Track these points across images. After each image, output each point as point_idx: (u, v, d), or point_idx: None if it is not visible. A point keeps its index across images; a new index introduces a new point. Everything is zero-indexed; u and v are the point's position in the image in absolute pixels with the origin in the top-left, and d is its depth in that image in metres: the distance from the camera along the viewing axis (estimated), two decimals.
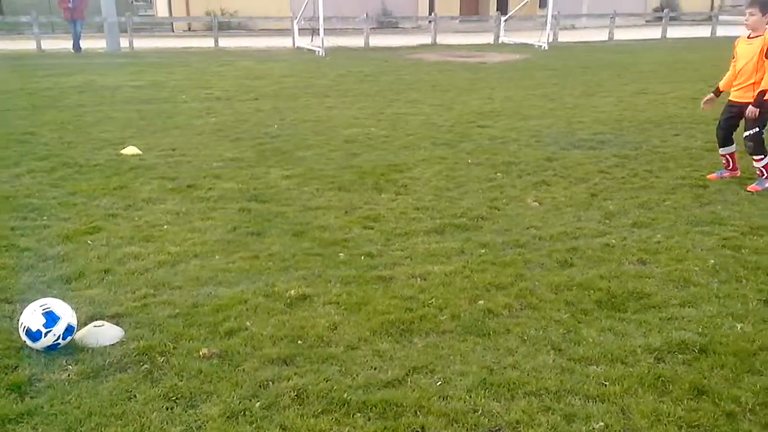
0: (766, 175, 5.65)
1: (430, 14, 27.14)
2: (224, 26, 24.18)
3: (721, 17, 28.07)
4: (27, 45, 19.83)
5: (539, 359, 3.11)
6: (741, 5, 51.85)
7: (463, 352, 3.18)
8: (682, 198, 5.49)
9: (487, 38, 23.36)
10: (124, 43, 20.07)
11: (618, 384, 2.88)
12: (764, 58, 5.36)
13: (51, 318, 3.10)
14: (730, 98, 5.77)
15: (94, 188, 5.80)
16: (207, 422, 2.64)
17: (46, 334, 3.08)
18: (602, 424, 2.63)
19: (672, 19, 26.27)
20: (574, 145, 7.46)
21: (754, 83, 5.48)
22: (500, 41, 22.98)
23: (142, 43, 20.66)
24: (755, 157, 5.65)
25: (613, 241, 4.57)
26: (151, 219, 5.05)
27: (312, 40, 20.40)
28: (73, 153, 7.07)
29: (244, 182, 6.02)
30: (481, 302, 3.67)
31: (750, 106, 5.48)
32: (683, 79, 12.83)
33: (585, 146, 7.38)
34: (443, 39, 22.67)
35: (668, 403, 2.74)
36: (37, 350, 3.11)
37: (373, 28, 23.40)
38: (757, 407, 2.72)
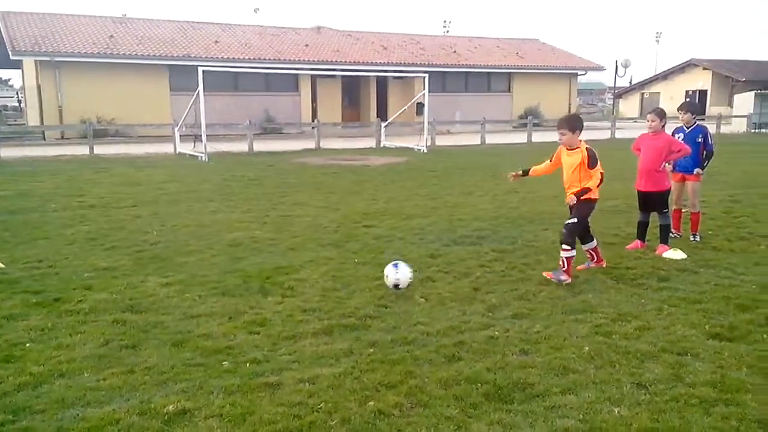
0: (565, 267, 5.92)
1: (313, 120, 28.02)
2: (101, 134, 23.59)
3: None
4: None
5: None
6: (596, 112, 57.71)
7: None
8: (556, 289, 5.80)
9: (370, 143, 24.35)
10: None
11: None
12: (588, 168, 5.94)
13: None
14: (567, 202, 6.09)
15: None
16: None
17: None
18: None
19: (535, 125, 28.76)
20: (456, 241, 7.75)
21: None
22: (382, 145, 24.01)
23: (9, 152, 19.61)
24: (563, 246, 5.93)
25: (497, 333, 4.70)
26: (11, 337, 4.61)
27: (194, 146, 20.30)
28: None
29: (118, 292, 5.68)
30: (371, 403, 3.60)
31: (571, 195, 5.97)
32: (552, 178, 13.89)
33: (466, 242, 7.70)
34: (327, 144, 23.36)
35: None
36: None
37: (256, 134, 23.71)
38: None
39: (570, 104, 39.50)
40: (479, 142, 25.58)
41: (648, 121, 7.08)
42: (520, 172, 6.57)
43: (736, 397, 3.65)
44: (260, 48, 31.28)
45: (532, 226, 8.61)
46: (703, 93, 47.41)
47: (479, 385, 3.84)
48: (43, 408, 3.56)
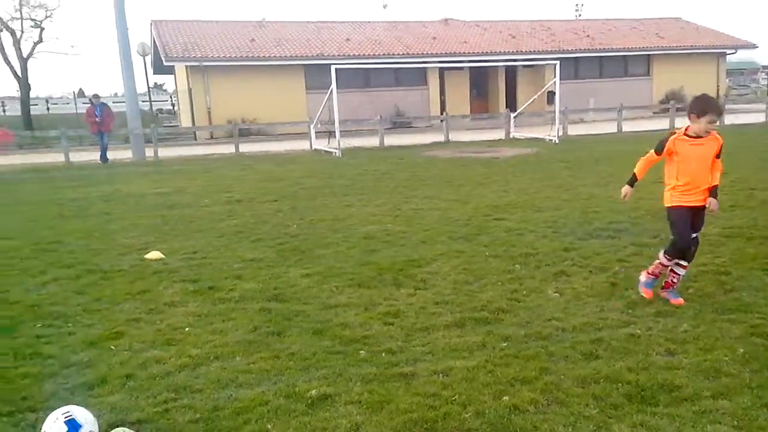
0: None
1: (441, 113, 28.09)
2: (244, 133, 25.12)
3: (726, 106, 28.71)
4: (55, 158, 20.72)
5: None
6: (748, 93, 52.77)
7: None
8: (706, 285, 5.43)
9: (499, 134, 23.98)
10: (149, 152, 20.90)
11: None
12: (716, 159, 4.94)
13: (73, 426, 3.09)
14: (687, 204, 4.99)
15: (117, 294, 5.89)
16: None
17: None
18: None
19: (678, 109, 26.85)
20: (591, 234, 7.48)
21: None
22: (511, 136, 23.57)
23: (166, 152, 21.49)
24: (683, 264, 5.14)
25: (638, 331, 4.49)
26: (173, 322, 5.09)
27: (329, 143, 21.09)
28: (98, 260, 7.22)
29: (264, 282, 6.08)
30: (505, 398, 3.59)
31: (713, 200, 4.93)
32: None
33: (602, 235, 7.40)
34: (456, 136, 23.32)
35: None
36: None
37: (387, 129, 24.18)
38: None
39: (718, 86, 36.45)
40: (615, 130, 24.35)
41: None
42: (629, 188, 5.36)
43: None
44: (389, 43, 31.82)
45: None
46: None
47: (620, 384, 3.70)
48: (201, 388, 3.91)
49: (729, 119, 24.92)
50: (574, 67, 33.42)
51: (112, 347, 4.60)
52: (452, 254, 6.84)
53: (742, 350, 4.06)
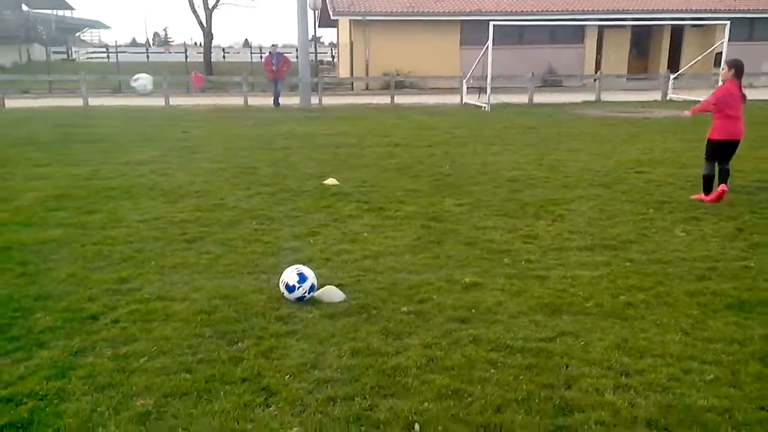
0: None
1: (596, 72, 27.57)
2: (399, 85, 26.44)
3: None
4: (234, 101, 23.32)
5: (668, 337, 3.88)
6: None
7: (603, 327, 4.03)
8: None
9: (655, 96, 23.33)
10: (314, 100, 22.87)
11: (732, 356, 3.59)
12: None
13: (302, 278, 4.44)
14: None
15: (308, 206, 7.34)
16: (410, 348, 3.76)
17: (298, 288, 4.42)
18: (713, 376, 3.37)
19: None
20: (731, 190, 7.83)
21: None
22: (668, 98, 22.85)
23: (328, 100, 23.37)
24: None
25: (753, 264, 5.12)
26: (354, 228, 6.42)
27: (479, 97, 21.81)
28: (288, 182, 8.78)
29: (423, 207, 7.26)
30: (622, 297, 4.49)
31: None
32: None
33: (742, 191, 7.76)
34: (608, 96, 23.03)
35: None
36: (290, 300, 4.46)
37: (537, 87, 24.36)
38: None
39: None
40: None
41: None
42: None
43: None
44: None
45: None
46: None
47: (723, 297, 4.45)
48: (381, 270, 5.16)
49: None
50: (749, 28, 30.97)
51: (311, 241, 6.01)
52: (590, 197, 7.59)
53: None
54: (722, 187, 7.15)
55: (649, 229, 6.23)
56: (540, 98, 22.67)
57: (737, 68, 7.34)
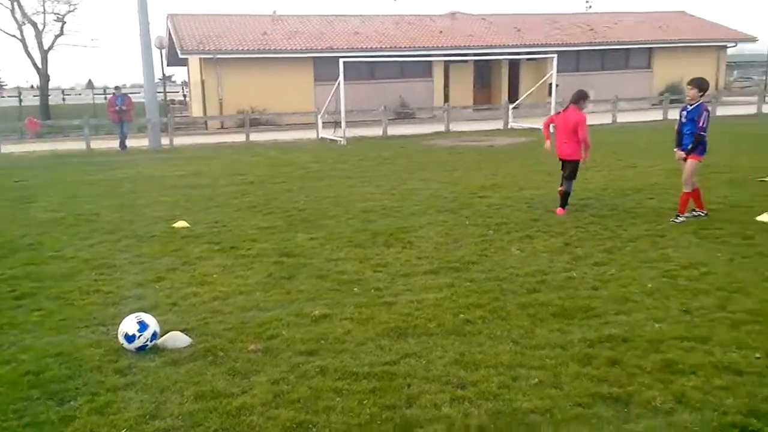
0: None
1: (444, 104, 29.14)
2: (254, 122, 26.26)
3: (723, 98, 29.58)
4: (75, 146, 21.95)
5: (500, 348, 4.17)
6: (751, 86, 53.10)
7: (444, 345, 4.25)
8: (641, 245, 6.56)
9: (498, 124, 25.05)
10: (164, 140, 22.09)
11: (554, 360, 3.92)
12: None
13: (142, 326, 4.27)
14: None
15: (154, 252, 7.07)
16: (256, 386, 3.74)
17: (138, 337, 4.24)
18: (537, 380, 3.66)
19: (674, 101, 27.78)
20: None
21: None
22: (509, 126, 24.63)
23: (180, 140, 22.68)
24: None
25: (575, 275, 5.65)
26: (203, 270, 6.27)
27: (335, 132, 22.23)
28: (134, 227, 8.41)
29: (276, 243, 7.25)
30: (462, 315, 4.76)
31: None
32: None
33: (570, 210, 8.52)
34: (457, 126, 24.39)
35: (588, 369, 3.78)
36: (131, 351, 4.26)
37: (391, 119, 25.27)
38: (654, 370, 3.74)
39: (717, 79, 37.26)
40: (610, 121, 25.33)
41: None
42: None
43: None
44: (396, 37, 32.82)
45: (638, 196, 9.22)
46: None
47: (550, 307, 4.86)
48: (230, 311, 5.09)
49: (722, 111, 25.86)
50: (576, 60, 34.34)
51: (157, 287, 5.79)
52: (438, 223, 7.99)
53: (650, 286, 5.21)
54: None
55: (488, 249, 6.66)
56: (394, 130, 23.51)
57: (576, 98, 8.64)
